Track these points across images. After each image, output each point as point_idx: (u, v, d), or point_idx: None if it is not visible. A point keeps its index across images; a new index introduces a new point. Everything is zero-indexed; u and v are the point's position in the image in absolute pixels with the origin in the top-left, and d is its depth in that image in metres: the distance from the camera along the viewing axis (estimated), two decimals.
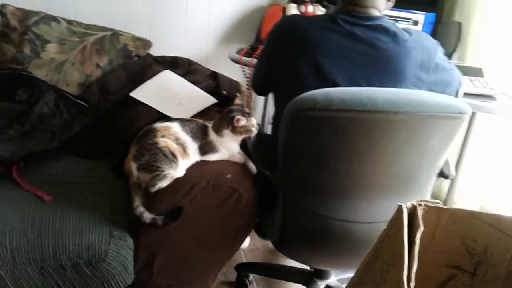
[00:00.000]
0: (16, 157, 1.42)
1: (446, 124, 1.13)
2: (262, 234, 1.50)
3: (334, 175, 1.19)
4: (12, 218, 1.25)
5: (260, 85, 1.54)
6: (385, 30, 1.27)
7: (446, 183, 2.14)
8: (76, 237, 1.23)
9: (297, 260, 1.49)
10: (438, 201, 0.89)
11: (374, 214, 1.23)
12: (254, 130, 1.39)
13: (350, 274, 1.01)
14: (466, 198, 2.14)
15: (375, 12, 1.29)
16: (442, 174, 1.38)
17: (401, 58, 1.26)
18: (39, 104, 1.66)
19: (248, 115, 1.39)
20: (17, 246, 1.19)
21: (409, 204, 0.87)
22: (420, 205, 0.87)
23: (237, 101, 1.50)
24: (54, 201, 1.32)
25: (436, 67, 1.31)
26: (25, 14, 1.85)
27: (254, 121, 1.39)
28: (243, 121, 1.36)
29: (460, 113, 1.11)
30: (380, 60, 1.26)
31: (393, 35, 1.27)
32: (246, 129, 1.38)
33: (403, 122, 1.09)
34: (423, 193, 1.26)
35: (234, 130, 1.37)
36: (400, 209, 0.86)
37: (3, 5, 1.83)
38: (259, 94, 1.68)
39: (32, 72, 1.79)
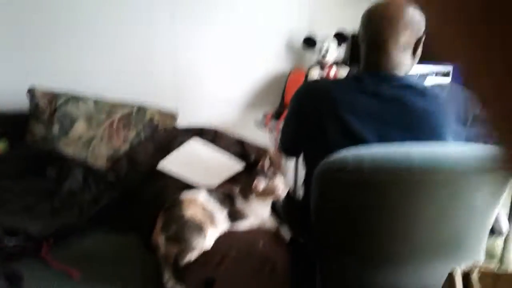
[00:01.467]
0: (45, 234, 1.40)
1: (492, 178, 1.04)
2: None
3: (372, 240, 1.10)
4: None
5: (288, 148, 1.50)
6: (411, 88, 1.22)
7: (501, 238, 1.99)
8: None
9: None
10: (493, 265, 0.80)
11: (422, 279, 1.13)
12: (281, 191, 1.33)
13: None
14: None
15: (399, 73, 1.24)
16: (493, 231, 1.27)
17: (435, 114, 1.19)
18: (68, 180, 1.66)
19: (271, 176, 1.34)
20: None
21: (461, 269, 0.79)
22: (475, 269, 0.78)
23: (262, 163, 1.45)
24: (83, 278, 1.27)
25: (475, 119, 1.25)
26: (53, 97, 1.89)
27: (279, 181, 1.34)
28: (262, 184, 1.31)
29: None
30: (412, 119, 1.19)
31: (421, 93, 1.21)
32: (270, 191, 1.33)
33: (443, 181, 1.00)
34: (474, 253, 1.15)
35: (258, 194, 1.32)
36: (451, 277, 0.78)
37: (32, 89, 1.86)
38: (288, 156, 1.64)
39: (61, 149, 1.81)
